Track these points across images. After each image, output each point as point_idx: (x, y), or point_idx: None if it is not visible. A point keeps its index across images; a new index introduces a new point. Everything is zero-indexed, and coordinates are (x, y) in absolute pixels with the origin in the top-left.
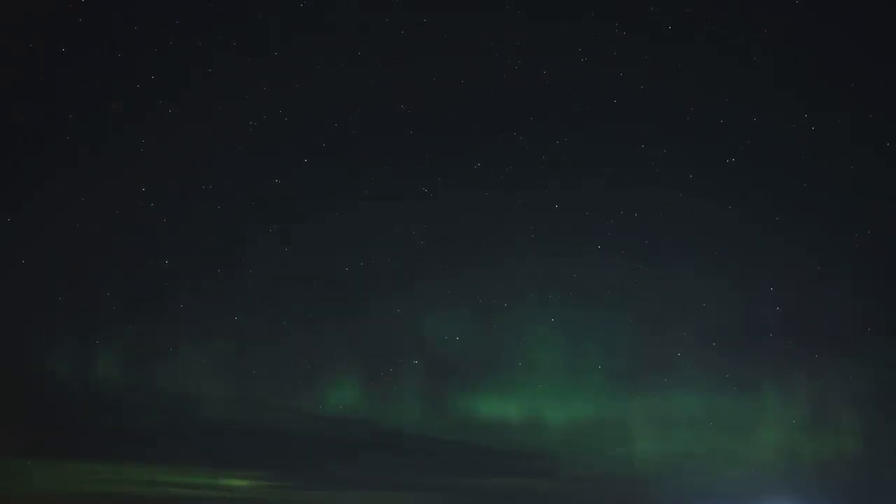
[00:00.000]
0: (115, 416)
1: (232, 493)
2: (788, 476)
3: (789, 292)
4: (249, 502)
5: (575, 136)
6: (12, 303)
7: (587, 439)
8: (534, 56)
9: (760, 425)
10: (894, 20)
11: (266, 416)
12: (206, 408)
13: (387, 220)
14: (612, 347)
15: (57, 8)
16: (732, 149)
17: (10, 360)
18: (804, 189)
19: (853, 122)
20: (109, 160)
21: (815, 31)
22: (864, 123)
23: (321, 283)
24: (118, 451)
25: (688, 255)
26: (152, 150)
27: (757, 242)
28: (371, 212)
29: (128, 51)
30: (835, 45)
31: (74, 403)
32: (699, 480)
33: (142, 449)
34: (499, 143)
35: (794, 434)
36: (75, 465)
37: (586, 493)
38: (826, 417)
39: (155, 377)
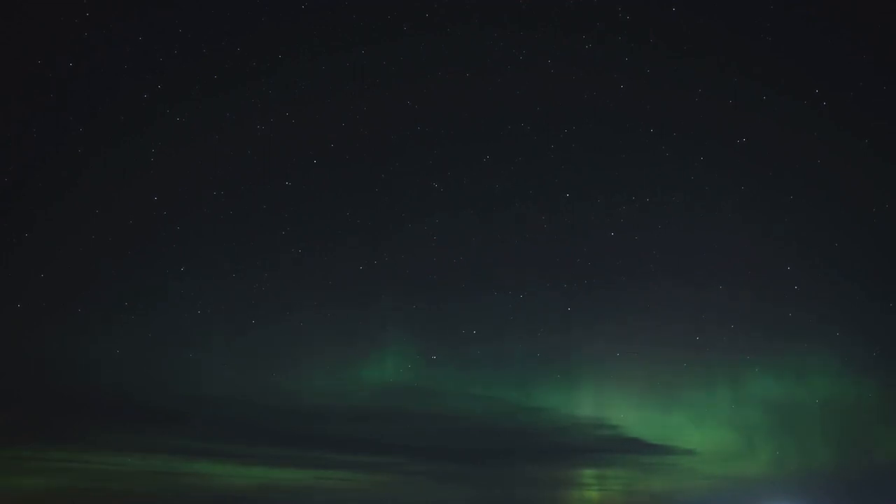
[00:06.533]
0: (133, 414)
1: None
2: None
3: (806, 271)
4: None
5: (583, 123)
6: (33, 315)
7: None
8: (537, 46)
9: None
10: None
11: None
12: (225, 410)
13: (399, 217)
14: (628, 331)
15: (63, 24)
16: (743, 129)
17: (35, 366)
18: (817, 167)
19: (864, 99)
20: (120, 171)
21: (821, 10)
22: (876, 100)
23: (335, 282)
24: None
25: (701, 238)
26: (162, 158)
27: (770, 222)
28: (382, 210)
29: (134, 62)
30: (843, 25)
31: (95, 402)
32: None
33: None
34: (507, 135)
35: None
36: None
37: None
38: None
39: (178, 382)
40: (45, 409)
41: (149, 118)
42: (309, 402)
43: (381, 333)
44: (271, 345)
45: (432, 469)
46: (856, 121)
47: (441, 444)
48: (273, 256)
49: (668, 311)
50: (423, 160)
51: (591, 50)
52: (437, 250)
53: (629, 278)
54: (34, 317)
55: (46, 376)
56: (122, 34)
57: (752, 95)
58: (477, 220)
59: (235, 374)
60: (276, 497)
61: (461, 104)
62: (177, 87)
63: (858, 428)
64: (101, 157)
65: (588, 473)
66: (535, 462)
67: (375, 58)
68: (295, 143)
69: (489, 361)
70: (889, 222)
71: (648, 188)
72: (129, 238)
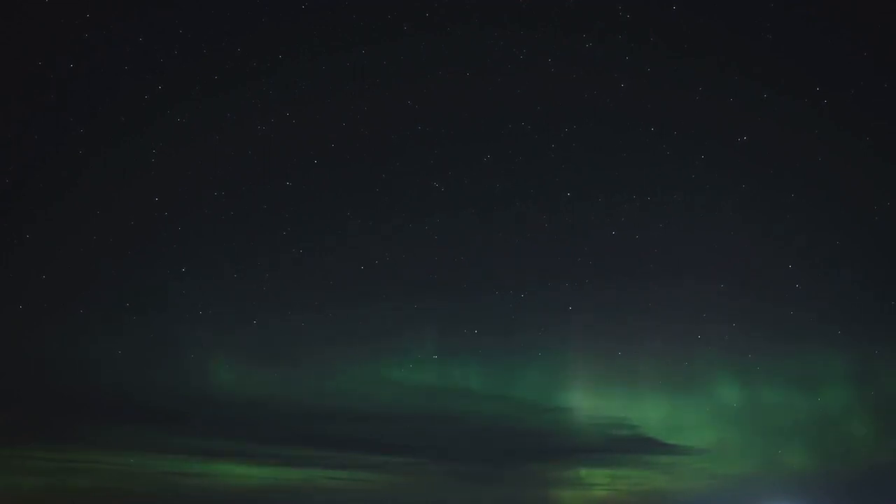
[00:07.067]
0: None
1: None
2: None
3: (807, 270)
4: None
5: (584, 122)
6: (33, 315)
7: None
8: (537, 45)
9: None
10: None
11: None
12: (225, 410)
13: (399, 217)
14: (629, 331)
15: (63, 24)
16: (743, 129)
17: (35, 366)
18: (817, 166)
19: (864, 99)
20: (121, 172)
21: (821, 10)
22: (876, 100)
23: (335, 282)
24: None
25: (702, 237)
26: (163, 159)
27: (771, 221)
28: (382, 210)
29: (134, 62)
30: (843, 25)
31: (95, 402)
32: None
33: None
34: (507, 135)
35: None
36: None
37: None
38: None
39: (178, 382)
40: (45, 409)
41: (149, 118)
42: (309, 402)
43: (381, 333)
44: (271, 345)
45: (434, 469)
46: (856, 121)
47: (442, 444)
48: (274, 256)
49: (668, 310)
50: (423, 160)
51: (592, 49)
52: (437, 250)
53: (630, 278)
54: (34, 317)
55: (46, 376)
56: (122, 34)
57: (752, 95)
58: (477, 220)
59: (235, 374)
60: (277, 497)
61: (461, 104)
62: (177, 87)
63: (859, 427)
64: (101, 157)
65: (591, 473)
66: (537, 461)
67: (375, 58)
68: (295, 143)
69: (490, 361)
70: (890, 221)
71: (649, 187)
72: (130, 238)
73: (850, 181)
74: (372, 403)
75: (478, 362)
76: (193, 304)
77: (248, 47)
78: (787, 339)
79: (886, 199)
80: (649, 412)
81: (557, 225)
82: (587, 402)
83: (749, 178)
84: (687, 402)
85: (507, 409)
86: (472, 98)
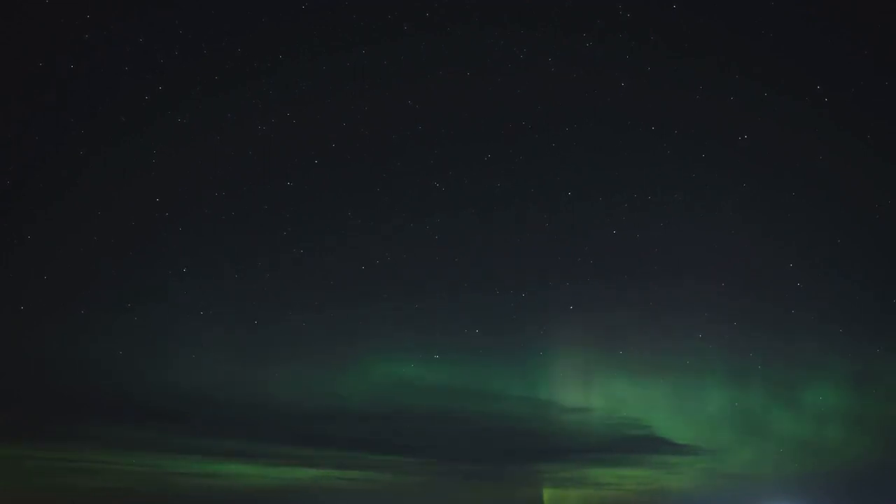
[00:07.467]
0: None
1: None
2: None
3: (808, 270)
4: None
5: (584, 122)
6: (33, 315)
7: None
8: (537, 45)
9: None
10: None
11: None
12: (225, 410)
13: (399, 217)
14: (630, 330)
15: (63, 24)
16: (743, 128)
17: (35, 366)
18: (817, 165)
19: (864, 99)
20: (121, 172)
21: (821, 10)
22: (876, 100)
23: (335, 282)
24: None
25: (702, 236)
26: (163, 159)
27: (771, 220)
28: (383, 210)
29: (134, 62)
30: (843, 25)
31: (95, 402)
32: None
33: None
34: (507, 135)
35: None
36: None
37: None
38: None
39: (178, 382)
40: (45, 409)
41: (149, 119)
42: (309, 403)
43: (381, 333)
44: (271, 345)
45: (435, 469)
46: (856, 121)
47: (444, 444)
48: (274, 256)
49: (669, 309)
50: (423, 160)
51: (592, 49)
52: (437, 250)
53: (630, 277)
54: (34, 317)
55: (46, 376)
56: (122, 34)
57: (752, 94)
58: (477, 219)
59: (235, 374)
60: (277, 497)
61: (461, 104)
62: (177, 87)
63: (860, 426)
64: (101, 157)
65: (590, 473)
66: (538, 461)
67: (375, 58)
68: (296, 143)
69: (491, 361)
70: (890, 221)
71: (649, 187)
72: (130, 238)
73: (850, 181)
74: (373, 403)
75: (478, 362)
76: (193, 304)
77: (248, 47)
78: (787, 338)
79: (886, 199)
80: (650, 412)
81: (557, 225)
82: (588, 401)
83: (749, 178)
84: (687, 401)
85: (507, 409)
86: (472, 98)
